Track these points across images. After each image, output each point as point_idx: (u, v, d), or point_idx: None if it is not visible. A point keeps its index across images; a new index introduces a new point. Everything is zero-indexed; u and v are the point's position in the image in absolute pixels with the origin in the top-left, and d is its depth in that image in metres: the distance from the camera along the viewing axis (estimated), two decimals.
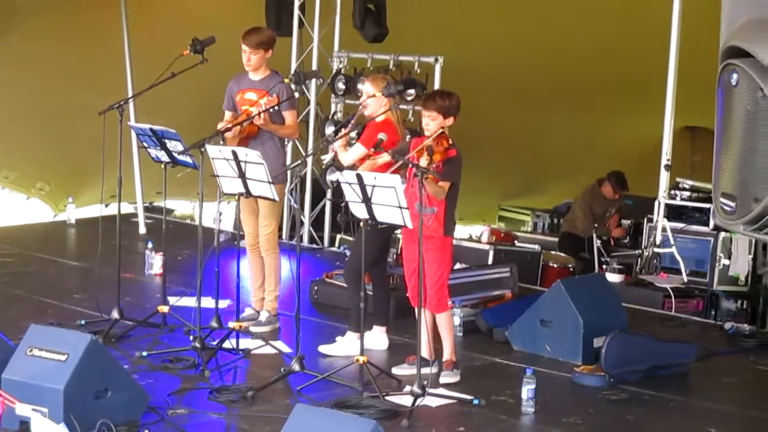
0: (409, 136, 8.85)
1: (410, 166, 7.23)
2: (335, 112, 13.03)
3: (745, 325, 9.75)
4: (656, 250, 11.03)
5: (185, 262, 11.02)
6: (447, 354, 7.82)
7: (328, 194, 12.74)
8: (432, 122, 7.52)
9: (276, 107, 8.53)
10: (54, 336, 6.57)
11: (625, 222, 14.06)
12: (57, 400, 6.14)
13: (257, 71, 8.75)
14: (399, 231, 10.00)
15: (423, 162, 7.14)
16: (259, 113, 8.43)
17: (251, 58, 8.69)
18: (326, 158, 8.35)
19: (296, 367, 7.47)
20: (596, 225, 13.49)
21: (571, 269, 12.75)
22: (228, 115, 8.82)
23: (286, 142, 9.37)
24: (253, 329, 8.58)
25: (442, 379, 7.69)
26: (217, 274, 8.14)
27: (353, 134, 8.46)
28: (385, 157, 7.74)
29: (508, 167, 18.37)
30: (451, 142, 7.43)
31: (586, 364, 8.16)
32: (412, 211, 7.03)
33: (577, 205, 14.12)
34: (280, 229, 12.36)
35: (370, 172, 7.37)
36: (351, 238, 12.41)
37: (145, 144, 8.57)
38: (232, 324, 8.16)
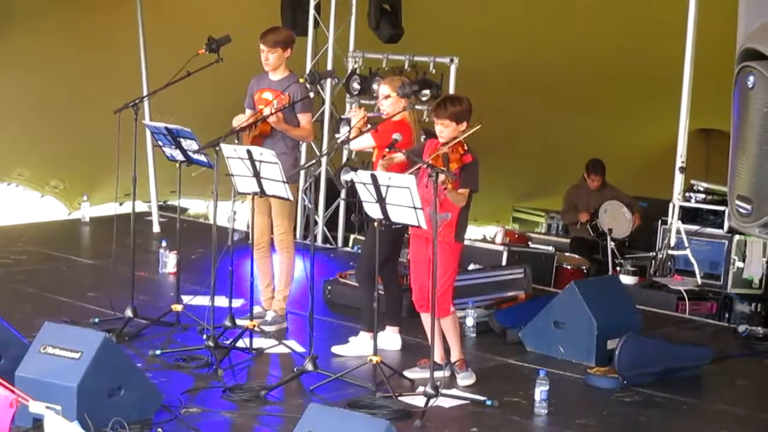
0: (424, 137, 8.82)
1: (428, 168, 7.12)
2: (350, 112, 13.02)
3: (759, 328, 9.70)
4: (670, 252, 11.00)
5: (199, 260, 11.02)
6: (456, 354, 7.80)
7: (342, 194, 12.74)
8: (446, 129, 7.40)
9: (286, 106, 8.52)
10: (67, 334, 6.58)
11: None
12: (70, 397, 6.16)
13: (276, 71, 8.76)
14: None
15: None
16: (272, 113, 8.44)
17: (269, 57, 8.70)
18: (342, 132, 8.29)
19: (309, 366, 7.47)
20: (610, 229, 13.44)
21: (584, 271, 12.71)
22: (248, 113, 8.83)
23: (300, 142, 9.36)
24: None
25: (461, 381, 7.68)
26: (231, 273, 8.14)
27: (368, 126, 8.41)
28: (400, 156, 7.64)
29: (522, 168, 18.34)
30: (466, 147, 7.35)
31: (599, 365, 8.15)
32: (425, 214, 7.00)
33: (562, 209, 14.21)
34: (295, 228, 12.36)
35: (384, 171, 7.34)
36: (364, 238, 12.40)
37: (160, 143, 8.59)
38: (245, 323, 8.17)
